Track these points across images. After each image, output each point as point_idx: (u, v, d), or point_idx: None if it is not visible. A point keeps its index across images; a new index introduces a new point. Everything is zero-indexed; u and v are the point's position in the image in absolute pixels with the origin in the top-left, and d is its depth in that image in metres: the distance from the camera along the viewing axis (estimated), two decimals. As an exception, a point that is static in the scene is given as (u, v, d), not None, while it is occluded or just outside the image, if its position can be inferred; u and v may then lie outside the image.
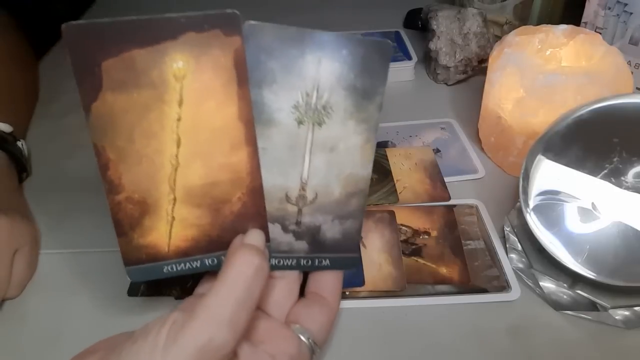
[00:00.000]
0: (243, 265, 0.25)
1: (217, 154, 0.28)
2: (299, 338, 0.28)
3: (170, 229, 0.29)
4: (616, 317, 0.34)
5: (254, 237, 0.28)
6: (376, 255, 0.39)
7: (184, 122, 0.27)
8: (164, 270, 0.29)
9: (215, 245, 0.29)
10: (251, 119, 0.28)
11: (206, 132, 0.27)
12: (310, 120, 0.28)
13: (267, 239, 0.30)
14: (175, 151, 0.27)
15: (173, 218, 0.28)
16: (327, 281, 0.31)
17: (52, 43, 0.68)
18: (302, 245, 0.31)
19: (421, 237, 0.41)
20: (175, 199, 0.28)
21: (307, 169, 0.29)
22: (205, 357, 0.23)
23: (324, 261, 0.31)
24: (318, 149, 0.29)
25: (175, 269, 0.29)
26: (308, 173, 0.29)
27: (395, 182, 0.45)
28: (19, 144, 0.47)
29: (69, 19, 0.24)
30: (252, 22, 0.26)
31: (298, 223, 0.30)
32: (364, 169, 0.30)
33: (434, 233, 0.41)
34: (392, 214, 0.42)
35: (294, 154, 0.29)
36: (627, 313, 0.33)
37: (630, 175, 0.33)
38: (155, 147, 0.27)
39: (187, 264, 0.29)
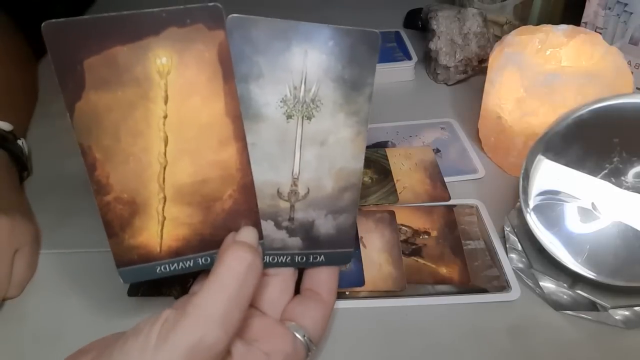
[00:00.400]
0: (235, 262, 0.25)
1: (205, 150, 0.27)
2: (294, 335, 0.28)
3: (162, 229, 0.28)
4: (616, 317, 0.34)
5: (247, 234, 0.28)
6: (376, 255, 0.39)
7: (170, 119, 0.26)
8: (157, 270, 0.29)
9: (207, 244, 0.29)
10: (239, 114, 0.27)
11: (193, 128, 0.27)
12: (300, 114, 0.28)
13: (261, 237, 0.29)
14: (163, 149, 0.27)
15: (164, 217, 0.28)
16: (322, 277, 0.31)
17: None
18: (295, 241, 0.30)
19: (421, 237, 0.41)
20: (165, 198, 0.28)
21: (297, 164, 0.29)
22: (197, 356, 0.23)
23: (318, 257, 0.31)
24: (308, 143, 0.29)
25: (168, 269, 0.29)
26: (299, 168, 0.29)
27: (395, 182, 0.45)
28: (20, 142, 0.47)
29: None
30: (236, 15, 0.26)
31: (291, 219, 0.30)
32: (356, 162, 0.30)
33: (434, 233, 0.41)
34: (392, 214, 0.42)
35: (284, 148, 0.29)
36: (627, 313, 0.33)
37: (630, 175, 0.33)
38: (142, 145, 0.27)
39: (180, 264, 0.29)
